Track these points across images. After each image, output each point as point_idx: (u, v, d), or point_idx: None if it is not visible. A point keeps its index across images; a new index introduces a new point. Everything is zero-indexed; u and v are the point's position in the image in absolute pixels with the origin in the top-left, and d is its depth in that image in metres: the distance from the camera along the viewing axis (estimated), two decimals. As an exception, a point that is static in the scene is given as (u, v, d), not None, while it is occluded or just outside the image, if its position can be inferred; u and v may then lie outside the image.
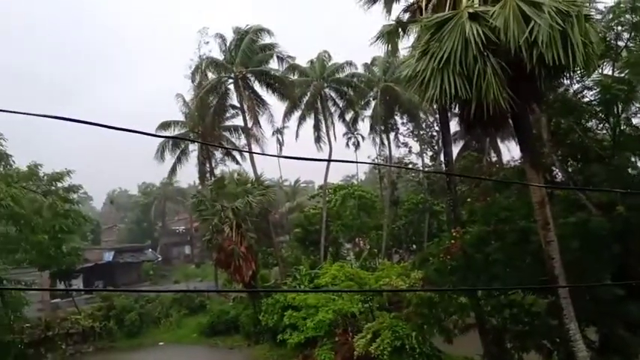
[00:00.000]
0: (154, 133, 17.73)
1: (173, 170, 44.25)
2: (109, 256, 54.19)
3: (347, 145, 45.02)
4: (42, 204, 34.44)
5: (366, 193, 46.63)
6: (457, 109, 13.33)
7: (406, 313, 20.06)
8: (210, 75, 38.78)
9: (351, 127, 44.91)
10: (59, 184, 36.36)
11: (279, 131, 43.51)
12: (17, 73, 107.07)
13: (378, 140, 43.47)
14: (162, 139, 41.68)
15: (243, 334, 33.28)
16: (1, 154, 33.28)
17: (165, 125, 41.76)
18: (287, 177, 70.30)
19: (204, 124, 39.36)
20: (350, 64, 41.16)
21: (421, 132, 43.37)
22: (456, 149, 40.75)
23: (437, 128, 40.86)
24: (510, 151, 47.45)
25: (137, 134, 5.23)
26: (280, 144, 44.42)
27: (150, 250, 62.38)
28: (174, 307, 39.86)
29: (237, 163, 43.95)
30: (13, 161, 33.62)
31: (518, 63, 10.91)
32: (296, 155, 8.28)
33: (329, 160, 39.41)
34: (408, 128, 44.08)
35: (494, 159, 37.25)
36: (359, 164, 56.13)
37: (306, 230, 42.87)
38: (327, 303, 25.42)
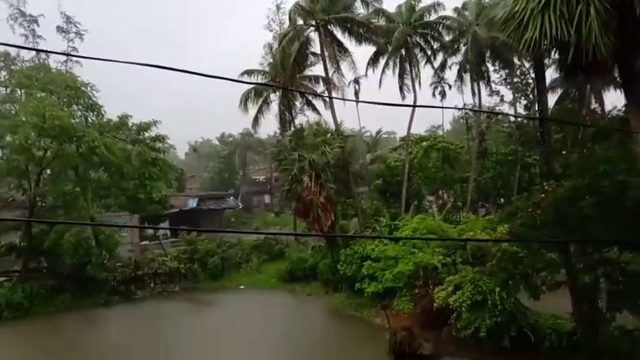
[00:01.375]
0: (236, 79, 18.63)
1: (255, 120, 45.68)
2: (192, 203, 57.53)
3: (433, 94, 44.16)
4: (131, 152, 37.14)
5: (451, 144, 45.84)
6: (556, 54, 12.88)
7: (490, 268, 20.13)
8: (293, 23, 39.11)
9: (439, 74, 43.84)
10: (146, 134, 38.87)
11: (356, 81, 43.40)
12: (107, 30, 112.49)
13: (466, 89, 42.32)
14: (246, 89, 43.06)
15: (320, 281, 34.77)
16: (94, 105, 35.95)
17: (248, 73, 43.04)
18: (368, 128, 70.06)
19: (285, 73, 40.02)
20: (438, 4, 39.85)
21: (514, 79, 41.61)
22: (552, 98, 38.93)
23: (532, 76, 38.99)
24: (613, 102, 44.63)
25: (222, 82, 5.80)
26: (357, 93, 44.33)
27: (231, 198, 65.40)
28: (255, 253, 42.09)
29: (318, 112, 44.62)
30: (105, 111, 36.33)
31: (625, 4, 10.35)
32: (377, 103, 8.54)
33: (413, 106, 38.82)
34: (501, 75, 42.45)
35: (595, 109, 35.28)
36: (445, 112, 54.95)
37: (387, 182, 43.16)
38: (407, 255, 25.85)
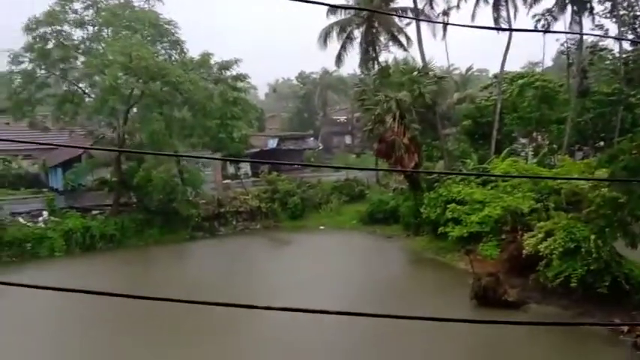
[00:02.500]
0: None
1: (338, 57, 45.28)
2: (272, 143, 59.03)
3: (535, 28, 41.67)
4: (212, 91, 38.23)
5: (549, 82, 43.44)
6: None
7: (587, 215, 19.41)
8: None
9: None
10: (227, 73, 39.75)
11: (445, 13, 41.52)
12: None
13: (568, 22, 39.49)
14: (328, 24, 42.76)
15: (401, 224, 35.06)
16: (177, 42, 37.07)
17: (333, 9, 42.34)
18: (457, 65, 67.44)
19: (372, 4, 39.10)
20: None
21: (621, 12, 38.37)
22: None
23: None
24: None
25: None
26: (445, 26, 42.52)
27: (311, 138, 66.32)
28: (335, 195, 42.86)
29: (404, 49, 43.50)
30: (187, 49, 37.40)
31: None
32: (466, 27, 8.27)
33: (509, 30, 36.99)
34: (606, 8, 39.24)
35: None
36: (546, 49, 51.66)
37: (476, 122, 41.87)
38: (495, 199, 25.39)
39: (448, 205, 27.28)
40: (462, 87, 59.62)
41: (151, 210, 35.99)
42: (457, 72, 66.57)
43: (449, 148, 40.36)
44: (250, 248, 35.71)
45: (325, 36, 43.36)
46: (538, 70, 54.86)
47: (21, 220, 33.59)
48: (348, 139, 76.19)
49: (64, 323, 20.87)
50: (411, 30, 43.36)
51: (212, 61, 38.99)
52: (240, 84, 41.42)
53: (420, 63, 39.42)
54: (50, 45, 35.64)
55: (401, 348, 17.00)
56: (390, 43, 44.26)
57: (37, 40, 35.04)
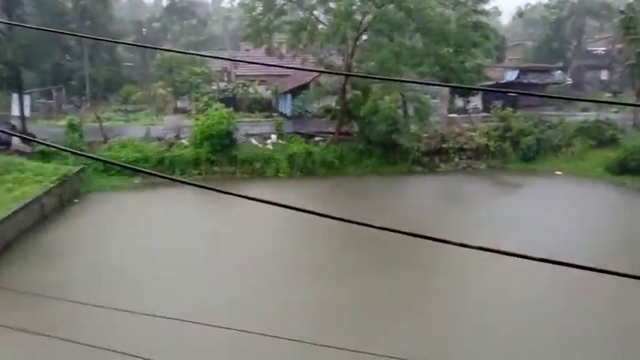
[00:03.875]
0: None
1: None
2: (511, 76, 54.29)
3: None
4: (449, 16, 36.11)
5: None
6: None
7: None
8: None
9: None
10: None
11: None
12: None
13: None
14: None
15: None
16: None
17: None
18: None
19: None
20: None
21: None
22: None
23: None
24: None
25: None
26: None
27: (558, 71, 59.28)
28: (579, 137, 37.98)
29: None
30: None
31: None
32: None
33: None
34: None
35: None
36: None
37: None
38: None
39: None
40: None
41: (371, 140, 36.17)
42: None
43: None
44: (472, 188, 33.62)
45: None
46: None
47: (253, 141, 36.77)
48: (604, 75, 66.45)
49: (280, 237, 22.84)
50: None
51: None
52: (482, 6, 38.74)
53: None
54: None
55: None
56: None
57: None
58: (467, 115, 42.96)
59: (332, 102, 40.43)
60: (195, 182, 4.77)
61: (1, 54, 33.90)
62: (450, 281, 18.23)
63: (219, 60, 58.80)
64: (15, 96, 38.43)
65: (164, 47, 64.81)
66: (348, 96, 37.72)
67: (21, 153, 31.78)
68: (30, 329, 10.48)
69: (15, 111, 38.43)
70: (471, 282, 18.18)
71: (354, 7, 35.08)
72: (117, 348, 8.26)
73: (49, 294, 14.03)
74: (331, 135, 37.26)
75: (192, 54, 53.64)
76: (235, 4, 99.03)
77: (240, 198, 3.51)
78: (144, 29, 75.29)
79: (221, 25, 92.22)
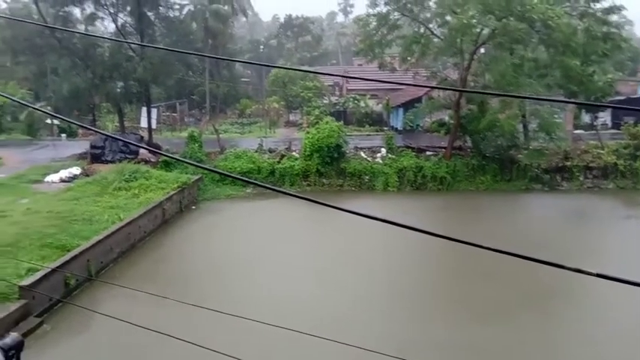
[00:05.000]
0: None
1: None
2: (645, 91, 50.33)
3: None
4: (576, 27, 34.41)
5: None
6: None
7: None
8: None
9: None
10: (597, 5, 35.88)
11: None
12: None
13: None
14: None
15: None
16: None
17: None
18: None
19: None
20: None
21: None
22: None
23: None
24: None
25: None
26: None
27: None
28: None
29: None
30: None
31: None
32: None
33: None
34: None
35: None
36: None
37: None
38: None
39: None
40: None
41: (486, 156, 35.04)
42: None
43: None
44: (600, 209, 31.23)
45: None
46: None
47: (362, 154, 36.78)
48: None
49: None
50: None
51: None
52: (613, 17, 36.49)
53: None
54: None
55: None
56: None
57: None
58: (594, 132, 40.16)
59: (445, 116, 39.62)
60: (298, 194, 5.07)
61: (134, 71, 36.84)
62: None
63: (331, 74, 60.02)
64: (144, 109, 42.07)
65: (278, 65, 67.47)
66: (464, 110, 36.78)
67: (147, 162, 34.33)
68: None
69: (143, 123, 42.06)
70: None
71: (474, 21, 34.19)
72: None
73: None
74: (443, 150, 36.40)
75: (304, 71, 55.00)
76: (349, 19, 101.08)
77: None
78: (261, 47, 78.83)
79: (335, 40, 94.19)
